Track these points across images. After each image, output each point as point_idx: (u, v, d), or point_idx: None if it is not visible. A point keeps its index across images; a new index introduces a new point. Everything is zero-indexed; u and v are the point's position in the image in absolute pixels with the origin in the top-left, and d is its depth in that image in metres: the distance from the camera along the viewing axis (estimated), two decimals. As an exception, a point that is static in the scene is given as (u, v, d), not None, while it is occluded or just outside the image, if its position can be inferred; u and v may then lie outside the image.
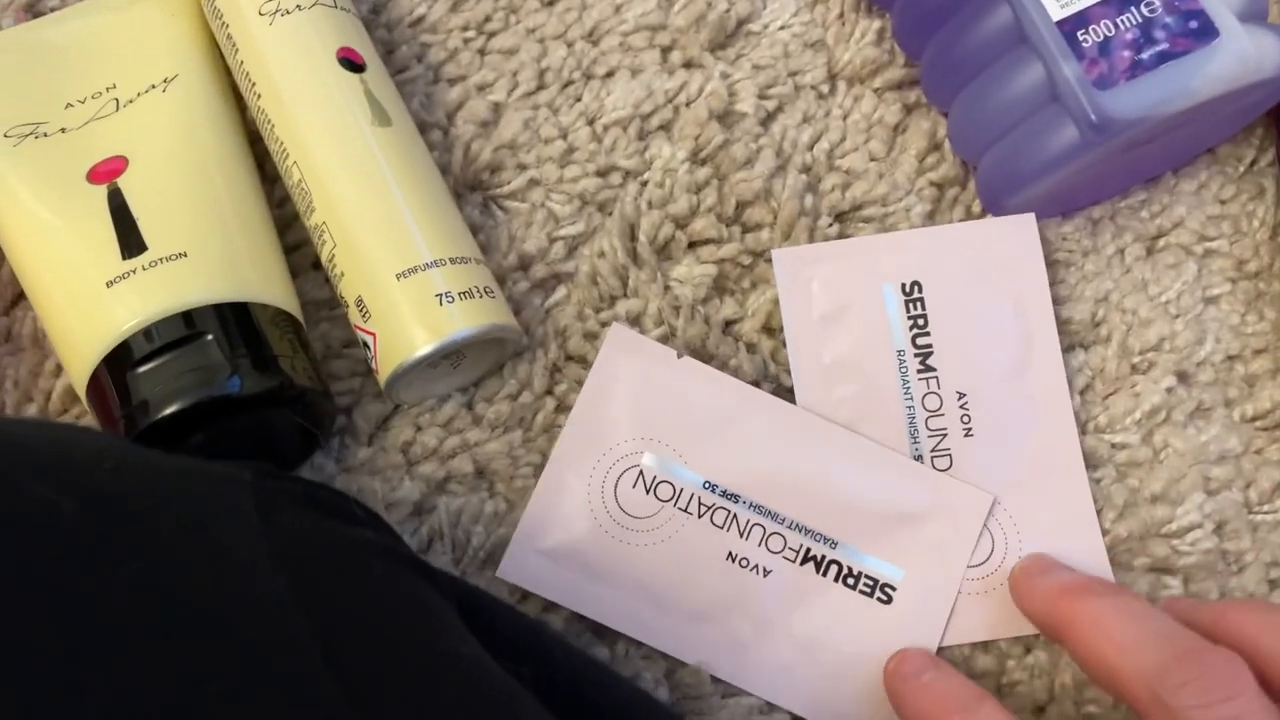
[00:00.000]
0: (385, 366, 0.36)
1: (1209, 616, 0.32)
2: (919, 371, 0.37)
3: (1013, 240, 0.38)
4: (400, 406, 0.38)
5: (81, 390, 0.35)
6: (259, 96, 0.39)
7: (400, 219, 0.36)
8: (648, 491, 0.36)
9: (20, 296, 0.39)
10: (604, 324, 0.39)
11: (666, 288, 0.39)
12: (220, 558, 0.25)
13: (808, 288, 0.37)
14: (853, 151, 0.40)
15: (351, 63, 0.38)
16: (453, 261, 0.36)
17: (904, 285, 0.37)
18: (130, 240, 0.35)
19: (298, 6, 0.39)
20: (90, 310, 0.35)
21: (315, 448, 0.37)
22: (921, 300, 0.37)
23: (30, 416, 0.37)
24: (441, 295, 0.35)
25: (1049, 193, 0.37)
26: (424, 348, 0.35)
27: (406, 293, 0.35)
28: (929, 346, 0.37)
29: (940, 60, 0.38)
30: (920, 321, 0.37)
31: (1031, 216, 0.38)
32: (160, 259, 0.35)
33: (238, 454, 0.36)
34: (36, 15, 0.43)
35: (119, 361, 0.34)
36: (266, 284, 0.36)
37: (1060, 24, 0.35)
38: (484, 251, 0.39)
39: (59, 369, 0.38)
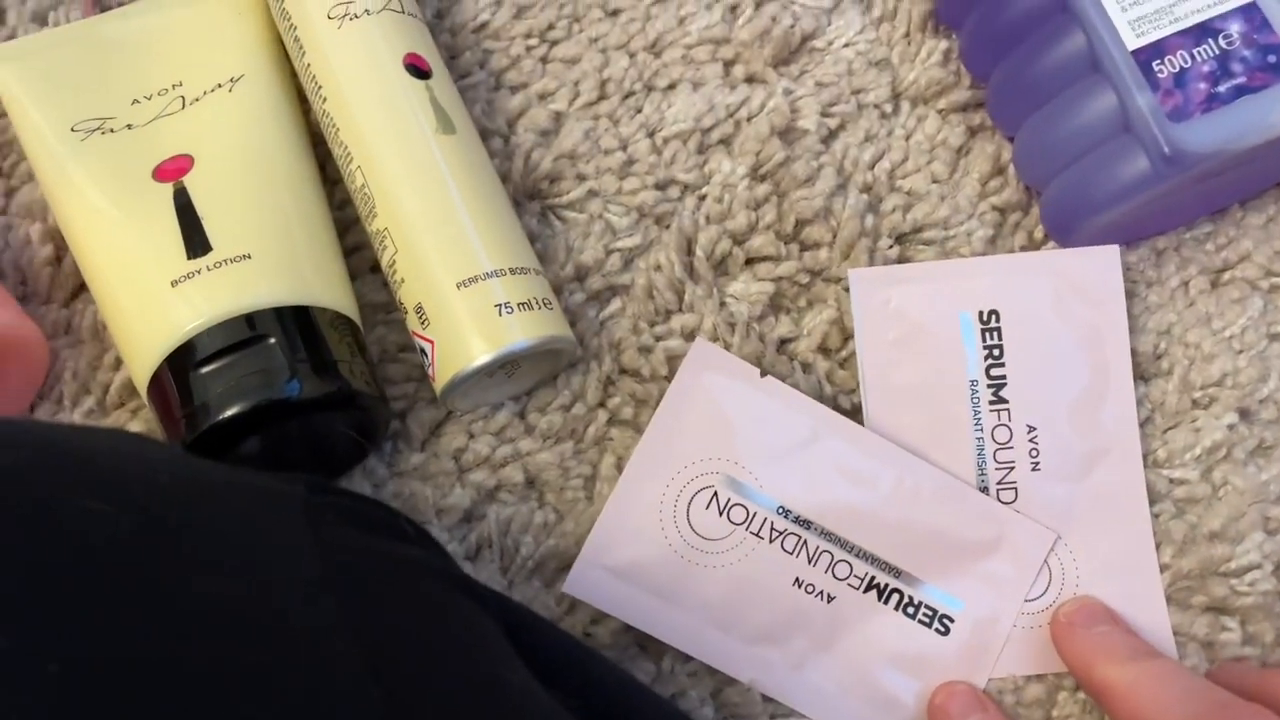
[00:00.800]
0: (442, 374, 0.35)
1: (1255, 680, 0.32)
2: (991, 403, 0.36)
3: (1095, 272, 0.37)
4: (453, 413, 0.38)
5: (142, 388, 0.35)
6: (324, 100, 0.38)
7: (462, 228, 0.36)
8: (721, 513, 0.36)
9: (80, 289, 0.39)
10: (658, 338, 0.38)
11: (722, 304, 0.38)
12: (271, 575, 0.25)
13: (883, 310, 0.37)
14: (915, 173, 0.39)
15: (418, 69, 0.38)
16: (513, 272, 0.36)
17: (981, 313, 0.36)
18: (195, 240, 0.35)
19: (366, 11, 0.38)
20: (154, 309, 0.34)
21: (367, 453, 0.37)
22: (998, 330, 0.36)
23: (86, 424, 0.37)
24: (501, 305, 0.35)
25: (1115, 222, 0.36)
26: (482, 357, 0.35)
27: (466, 301, 0.35)
28: (1003, 378, 0.36)
29: (1009, 84, 0.37)
30: (996, 352, 0.36)
31: (1115, 249, 0.37)
32: (224, 260, 0.35)
33: (290, 455, 0.36)
34: (104, 9, 0.43)
35: (181, 361, 0.34)
36: (327, 287, 0.36)
37: (1135, 53, 0.34)
38: (541, 262, 0.39)
39: (118, 362, 0.38)
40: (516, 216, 0.38)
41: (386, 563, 0.27)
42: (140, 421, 0.38)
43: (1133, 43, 0.34)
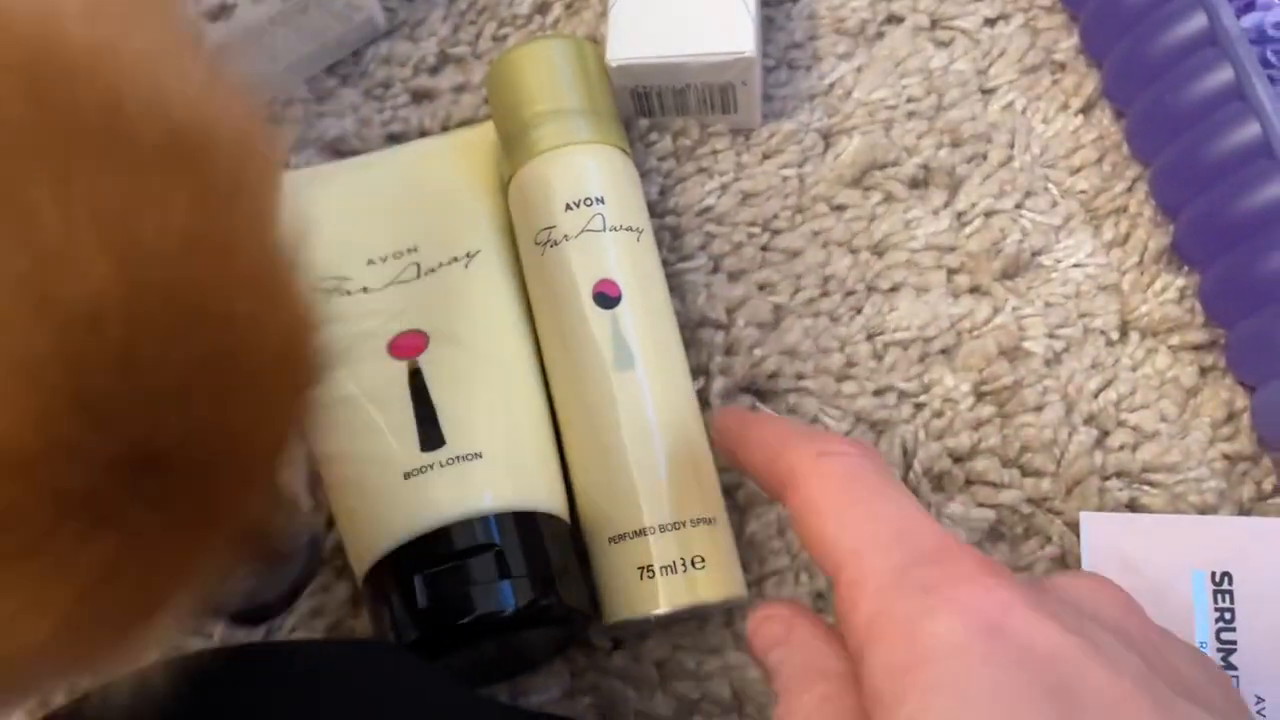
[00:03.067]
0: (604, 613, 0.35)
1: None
2: (1217, 667, 0.34)
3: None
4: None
5: (359, 575, 0.34)
6: (535, 319, 0.38)
7: (624, 478, 0.34)
8: None
9: (295, 437, 0.39)
10: (872, 555, 0.37)
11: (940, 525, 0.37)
12: None
13: (1113, 557, 0.35)
14: (1143, 408, 0.38)
15: (606, 297, 0.36)
16: (674, 527, 0.34)
17: (1214, 574, 0.34)
18: (429, 431, 0.34)
19: (565, 237, 0.37)
20: (384, 499, 0.34)
21: (567, 649, 0.36)
22: (1231, 593, 0.34)
23: (309, 639, 0.36)
24: (643, 569, 0.33)
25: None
26: (612, 618, 0.34)
27: (614, 558, 0.34)
28: (1233, 643, 0.34)
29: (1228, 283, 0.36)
30: (1227, 615, 0.34)
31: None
32: (456, 457, 0.34)
33: (487, 652, 0.34)
34: (339, 154, 0.43)
35: (405, 559, 0.33)
36: (551, 493, 0.35)
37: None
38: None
39: (329, 523, 0.38)
40: (700, 450, 0.35)
41: None
42: (345, 582, 0.37)
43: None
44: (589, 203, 0.37)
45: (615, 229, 0.37)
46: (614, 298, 0.36)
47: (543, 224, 0.37)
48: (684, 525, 0.34)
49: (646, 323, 0.36)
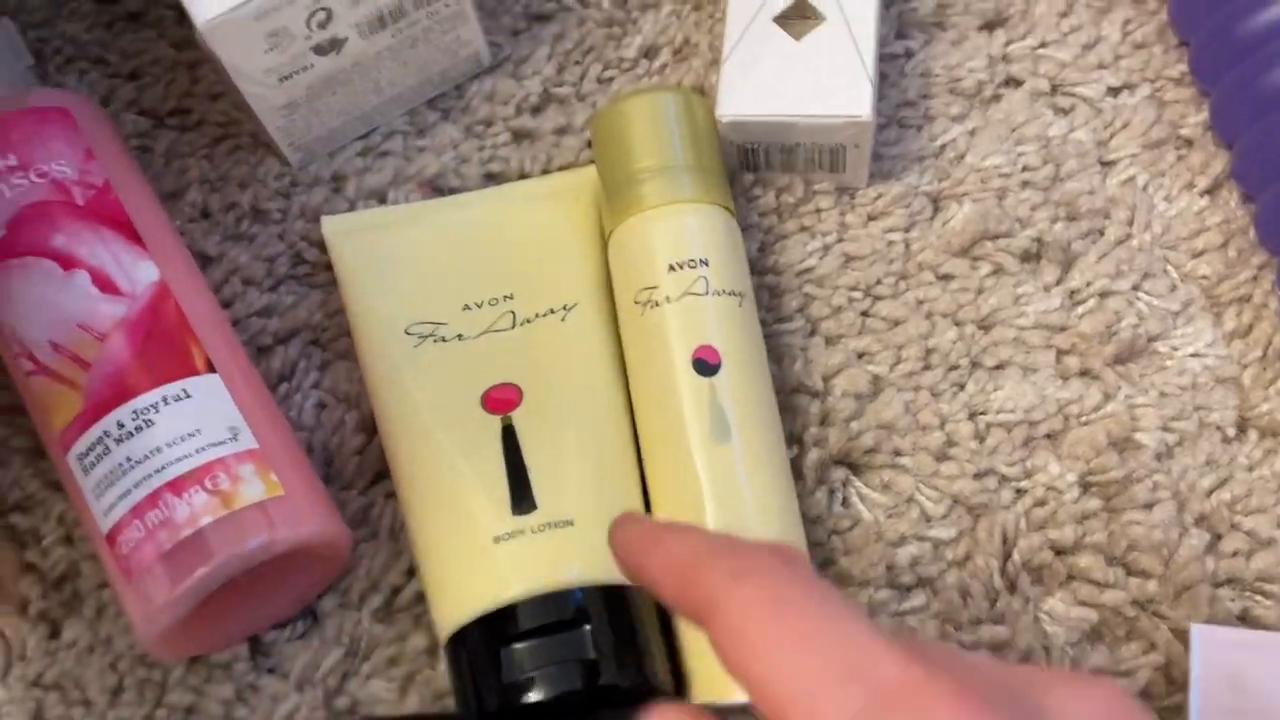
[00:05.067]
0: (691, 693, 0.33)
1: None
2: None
3: None
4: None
5: (442, 635, 0.33)
6: (630, 381, 0.36)
7: None
8: None
9: (380, 475, 0.38)
10: (965, 648, 0.35)
11: (1036, 618, 0.35)
12: None
13: (1226, 675, 0.33)
14: (1258, 512, 0.35)
15: (705, 364, 0.34)
16: None
17: (1331, 708, 0.32)
18: (522, 492, 0.33)
19: (666, 299, 0.35)
20: (472, 563, 0.32)
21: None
22: (1349, 729, 0.32)
23: (399, 715, 0.35)
24: None
25: None
26: (699, 700, 0.32)
27: (702, 639, 0.32)
28: (1346, 784, 0.32)
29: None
30: (1343, 753, 0.32)
31: None
32: (548, 524, 0.32)
33: None
34: (437, 191, 0.42)
35: (492, 627, 0.31)
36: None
37: None
38: (840, 543, 0.36)
39: (409, 572, 0.37)
40: (793, 527, 0.34)
41: None
42: (423, 632, 0.36)
43: None
44: (693, 264, 0.35)
45: (718, 293, 0.35)
46: (713, 365, 0.34)
47: (644, 283, 0.35)
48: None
49: (744, 393, 0.34)
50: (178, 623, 0.32)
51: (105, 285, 0.33)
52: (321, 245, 0.41)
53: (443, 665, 0.35)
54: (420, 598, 0.36)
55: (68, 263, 0.33)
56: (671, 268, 0.35)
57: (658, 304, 0.35)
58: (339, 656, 0.36)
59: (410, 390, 0.35)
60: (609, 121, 0.38)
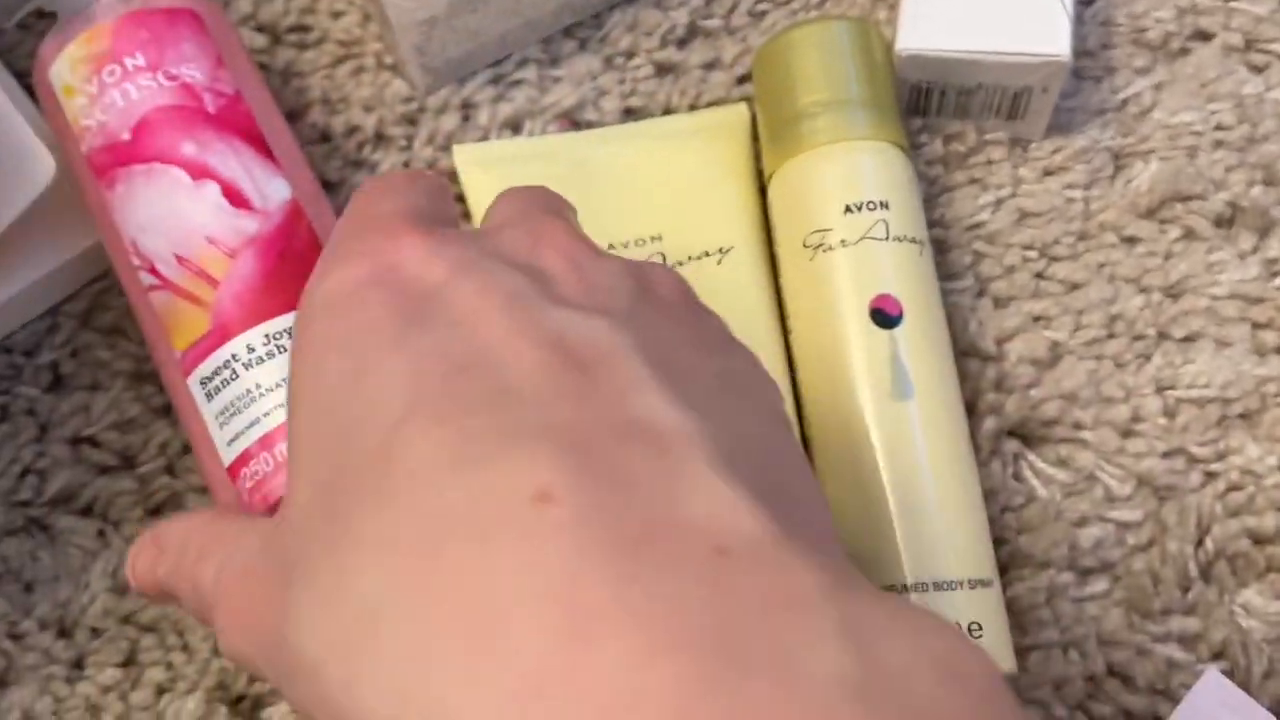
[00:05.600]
0: None
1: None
2: None
3: None
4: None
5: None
6: (790, 329, 0.33)
7: (885, 522, 0.29)
8: None
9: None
10: (1155, 639, 0.32)
11: (1231, 612, 0.32)
12: None
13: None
14: None
15: (884, 315, 0.31)
16: (946, 587, 0.29)
17: None
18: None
19: (841, 242, 0.32)
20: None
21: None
22: None
23: None
24: None
25: None
26: None
27: None
28: None
29: None
30: None
31: None
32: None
33: None
34: (576, 126, 0.39)
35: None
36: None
37: None
38: (1014, 528, 0.33)
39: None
40: (976, 498, 0.31)
41: None
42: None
43: None
44: (871, 207, 0.32)
45: (898, 239, 0.32)
46: (894, 316, 0.31)
47: (815, 225, 0.32)
48: (959, 586, 0.29)
49: (926, 347, 0.31)
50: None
51: (236, 199, 0.30)
52: (451, 175, 0.38)
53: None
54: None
55: (197, 172, 0.30)
56: (848, 209, 0.32)
57: (831, 248, 0.32)
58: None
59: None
60: (777, 52, 0.35)
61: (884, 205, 0.32)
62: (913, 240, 0.32)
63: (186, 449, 0.35)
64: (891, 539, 0.30)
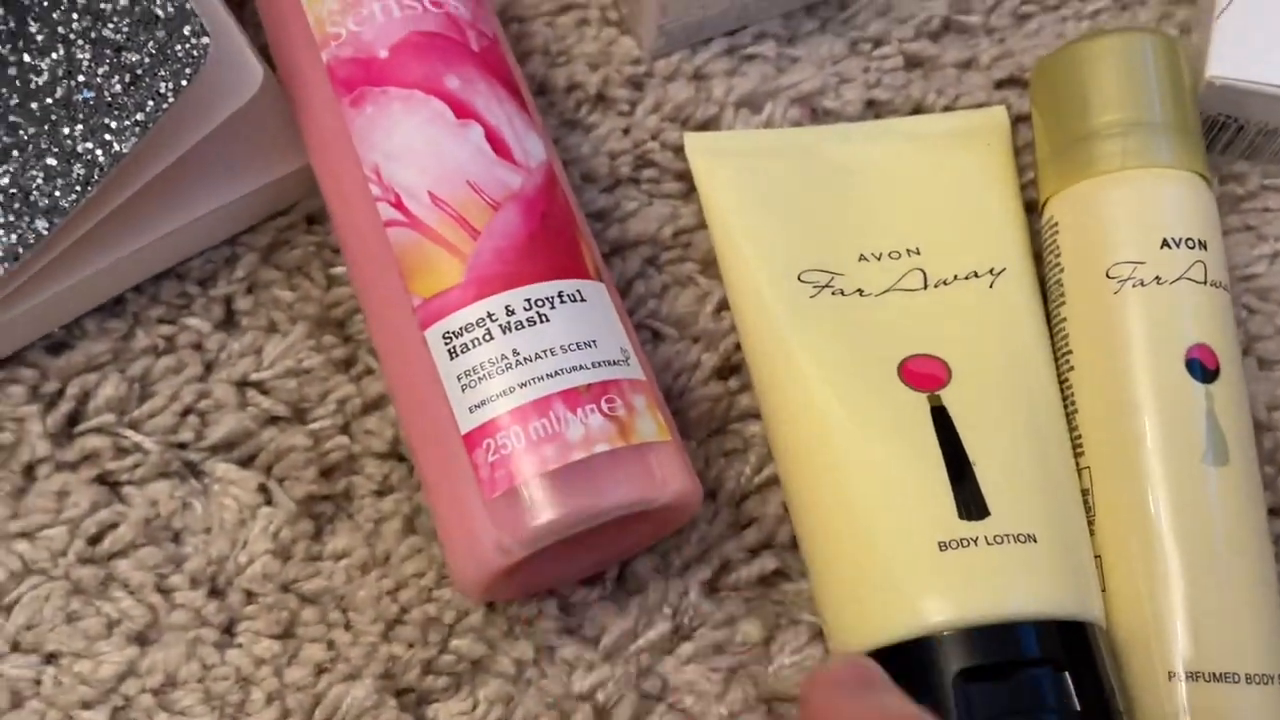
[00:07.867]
0: None
1: None
2: None
3: None
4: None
5: (858, 644, 0.26)
6: (1070, 368, 0.29)
7: (1168, 599, 0.26)
8: None
9: (717, 430, 0.31)
10: None
11: None
12: None
13: None
14: None
15: (1201, 367, 0.27)
16: (1220, 679, 0.26)
17: None
18: (968, 492, 0.26)
19: (1157, 279, 0.28)
20: (901, 568, 0.26)
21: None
22: None
23: None
24: None
25: None
26: None
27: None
28: None
29: None
30: None
31: None
32: (1006, 535, 0.25)
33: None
34: (814, 115, 0.35)
35: (919, 653, 0.25)
36: (1098, 599, 0.26)
37: None
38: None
39: (752, 550, 0.30)
40: (1270, 585, 0.27)
41: None
42: (755, 619, 0.30)
43: None
44: (1190, 245, 0.28)
45: (1215, 285, 0.28)
46: (1212, 370, 0.27)
47: (1123, 257, 0.28)
48: (1240, 679, 0.26)
49: (1237, 409, 0.28)
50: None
51: (500, 148, 0.27)
52: (675, 149, 0.34)
53: (775, 665, 0.29)
54: (762, 581, 0.30)
55: (461, 110, 0.27)
56: (1166, 244, 0.28)
57: (1142, 284, 0.28)
58: (665, 631, 0.30)
59: (797, 354, 0.28)
60: (1062, 65, 0.31)
61: (1202, 245, 0.28)
62: (1224, 287, 0.29)
63: (367, 409, 0.31)
64: (1171, 618, 0.26)
